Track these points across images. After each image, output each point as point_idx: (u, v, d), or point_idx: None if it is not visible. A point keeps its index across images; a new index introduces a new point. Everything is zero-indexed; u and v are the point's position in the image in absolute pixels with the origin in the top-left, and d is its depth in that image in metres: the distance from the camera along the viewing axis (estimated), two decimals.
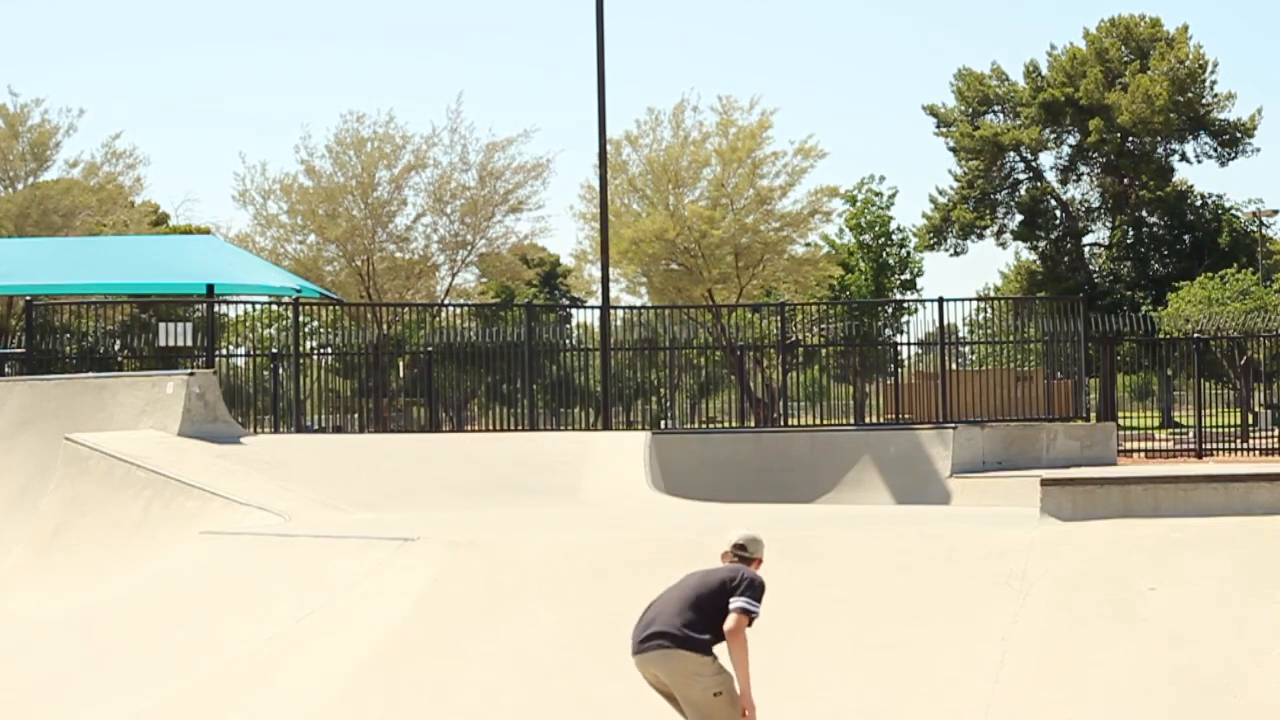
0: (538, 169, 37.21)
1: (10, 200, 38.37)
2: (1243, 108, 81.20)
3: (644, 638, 6.51)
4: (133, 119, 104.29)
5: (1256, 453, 29.27)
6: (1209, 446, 29.22)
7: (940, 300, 25.76)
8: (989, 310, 33.92)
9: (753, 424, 27.28)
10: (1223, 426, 31.08)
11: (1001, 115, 60.94)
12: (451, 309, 30.83)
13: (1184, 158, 60.10)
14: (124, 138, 74.77)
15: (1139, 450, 30.24)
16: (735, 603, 6.43)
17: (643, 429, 25.50)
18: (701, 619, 6.47)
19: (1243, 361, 34.48)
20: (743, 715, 6.37)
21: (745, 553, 6.83)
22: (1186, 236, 58.81)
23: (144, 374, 16.10)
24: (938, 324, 25.61)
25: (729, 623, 6.38)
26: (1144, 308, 45.78)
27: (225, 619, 8.79)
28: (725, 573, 6.67)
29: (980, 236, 62.20)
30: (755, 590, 6.50)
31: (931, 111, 61.48)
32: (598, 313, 25.19)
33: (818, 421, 29.35)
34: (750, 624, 6.42)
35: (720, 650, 6.42)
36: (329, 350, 29.72)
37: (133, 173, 42.74)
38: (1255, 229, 59.04)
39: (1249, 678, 6.47)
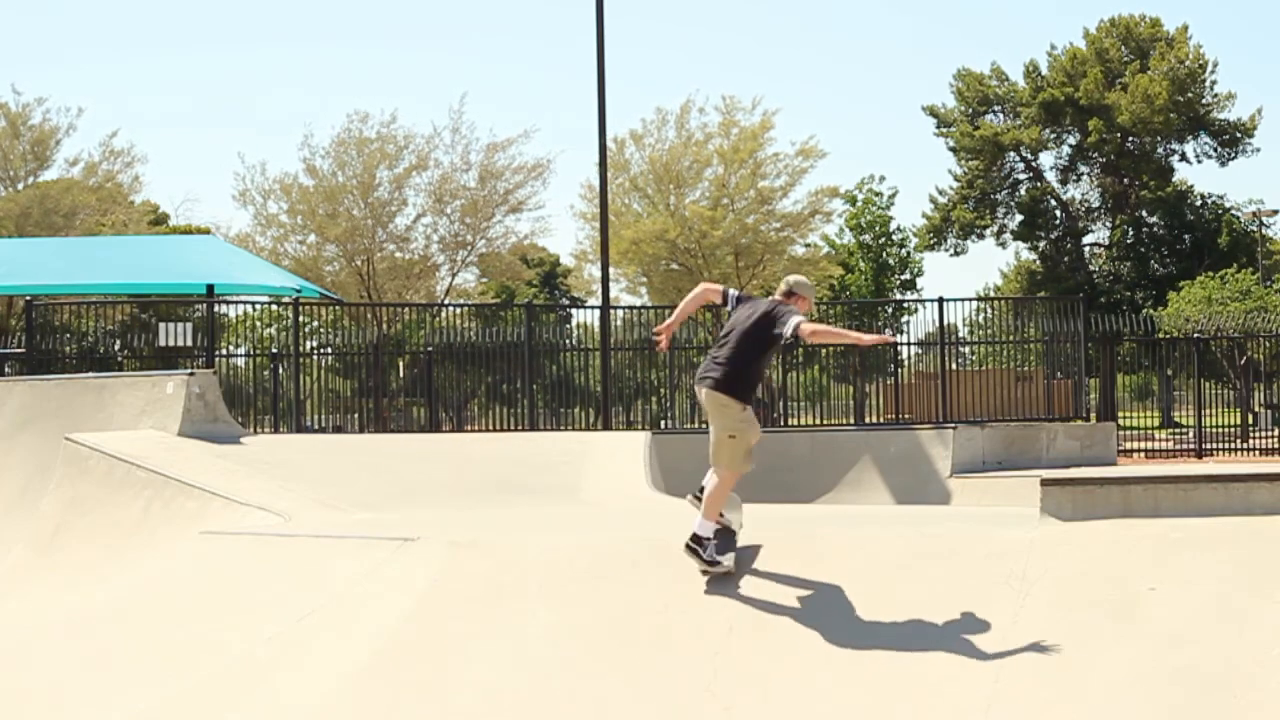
0: (538, 169, 37.25)
1: (12, 199, 38.38)
2: (1243, 108, 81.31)
3: (700, 376, 8.09)
4: (132, 119, 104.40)
5: (1256, 453, 29.28)
6: (1209, 446, 29.22)
7: (940, 300, 25.77)
8: (989, 310, 33.92)
9: None
10: (1223, 426, 31.09)
11: (1001, 115, 60.97)
12: (451, 309, 30.84)
13: (1184, 158, 60.16)
14: (121, 136, 74.91)
15: (1139, 450, 30.24)
16: (785, 328, 7.80)
17: (643, 429, 25.50)
18: (742, 360, 7.92)
19: (1243, 361, 34.48)
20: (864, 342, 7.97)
21: (792, 294, 8.12)
22: (1186, 236, 58.84)
23: (144, 374, 16.09)
24: (938, 324, 25.62)
25: (803, 334, 7.77)
26: (1144, 308, 45.77)
27: (225, 619, 8.79)
28: (767, 305, 8.01)
29: (980, 236, 62.24)
30: (796, 316, 7.83)
31: (931, 112, 61.51)
32: (598, 313, 25.20)
33: (818, 421, 29.35)
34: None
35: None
36: (329, 350, 29.71)
37: (131, 171, 42.82)
38: (1255, 229, 59.04)
39: (1249, 678, 6.47)
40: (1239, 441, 30.72)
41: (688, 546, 8.04)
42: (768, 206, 36.71)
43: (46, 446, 13.32)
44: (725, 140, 36.57)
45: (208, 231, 39.62)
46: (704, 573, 7.99)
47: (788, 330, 7.81)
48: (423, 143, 36.81)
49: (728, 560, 8.02)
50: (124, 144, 47.68)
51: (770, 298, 8.24)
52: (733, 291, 8.43)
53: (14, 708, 8.32)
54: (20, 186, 39.55)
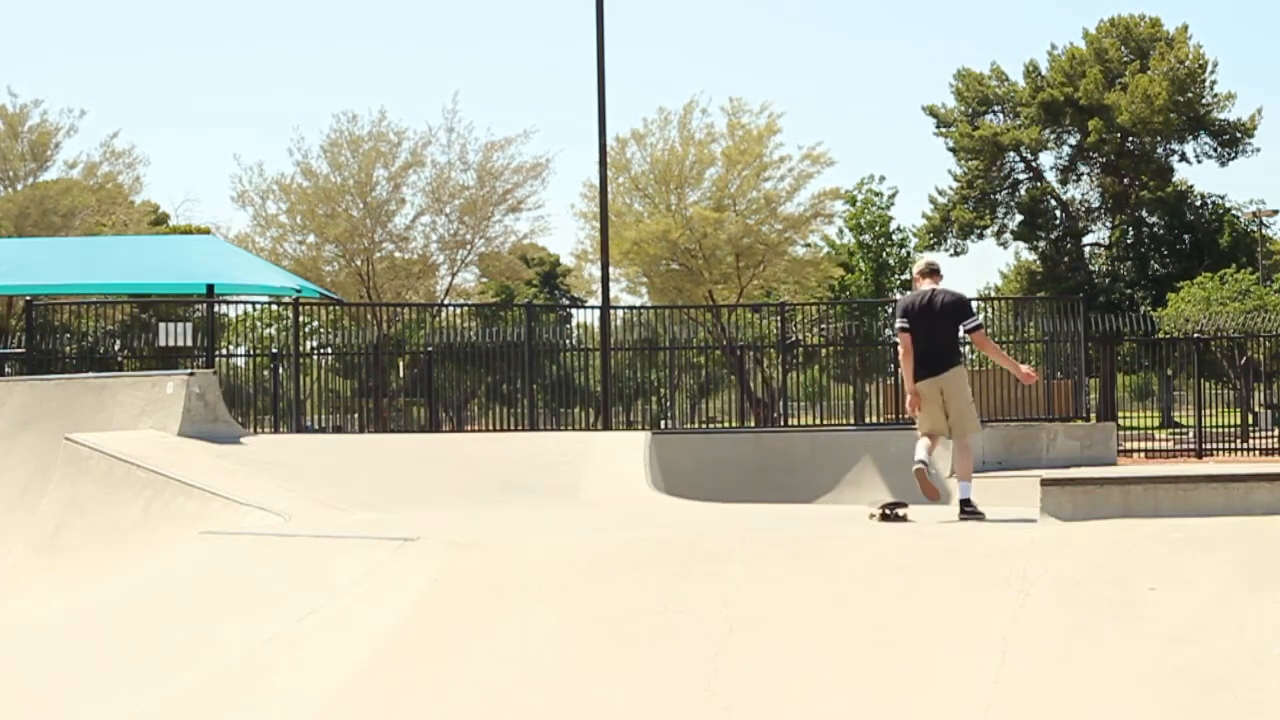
0: (537, 169, 37.21)
1: (10, 200, 38.38)
2: (1243, 108, 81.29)
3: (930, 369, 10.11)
4: (132, 119, 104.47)
5: (1256, 453, 29.28)
6: (1209, 446, 29.23)
7: None
8: (989, 310, 33.91)
9: (753, 424, 27.28)
10: (1223, 426, 31.10)
11: (1001, 115, 60.93)
12: (451, 309, 30.82)
13: (1184, 158, 60.12)
14: (122, 137, 74.93)
15: (1139, 450, 30.24)
16: (973, 322, 10.28)
17: (643, 429, 25.49)
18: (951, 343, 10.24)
19: (1243, 361, 34.48)
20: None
21: (937, 273, 10.29)
22: (1186, 236, 58.81)
23: (144, 374, 16.09)
24: None
25: (975, 337, 10.35)
26: (1143, 308, 45.77)
27: (225, 619, 8.79)
28: (944, 296, 10.16)
29: (980, 236, 62.20)
30: (977, 318, 10.39)
31: (931, 112, 61.47)
32: (598, 313, 25.19)
33: (818, 421, 29.34)
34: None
35: None
36: (329, 350, 29.71)
37: (131, 172, 42.85)
38: (1255, 229, 59.02)
39: (1249, 677, 6.47)
40: (1239, 441, 30.71)
41: (963, 514, 9.76)
42: (771, 206, 36.69)
43: (46, 446, 13.33)
44: (730, 141, 36.55)
45: (208, 231, 39.62)
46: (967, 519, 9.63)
47: (972, 325, 10.18)
48: (416, 140, 36.79)
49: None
50: (125, 145, 47.70)
51: (931, 286, 10.23)
52: (900, 322, 10.26)
53: (14, 708, 8.32)
54: (19, 187, 39.56)
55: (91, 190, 39.96)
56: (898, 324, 10.30)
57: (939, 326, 10.13)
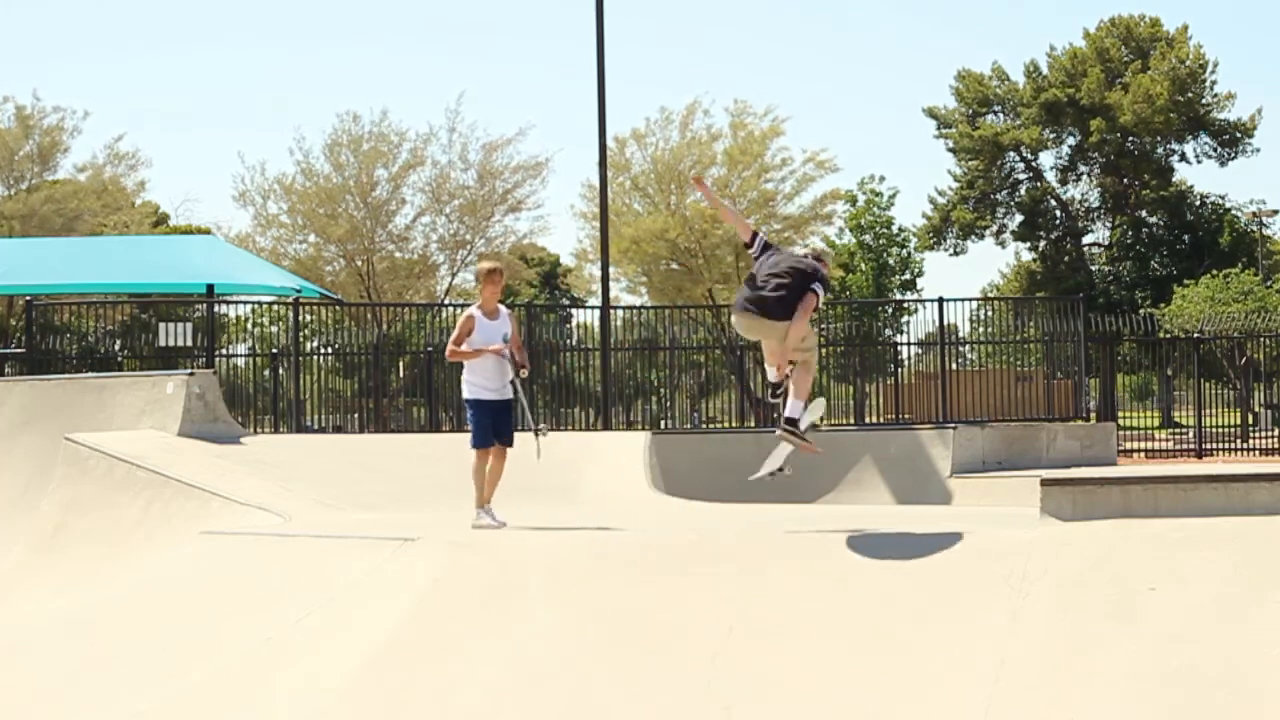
0: (536, 168, 37.18)
1: (20, 201, 38.40)
2: (1243, 108, 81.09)
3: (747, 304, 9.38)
4: (132, 119, 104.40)
5: (1256, 453, 29.27)
6: (1209, 446, 29.22)
7: (940, 300, 25.77)
8: (989, 310, 33.92)
9: (753, 424, 27.27)
10: (1223, 426, 31.09)
11: (1001, 115, 60.93)
12: (451, 309, 30.80)
13: (1184, 158, 60.15)
14: (126, 139, 74.97)
15: (1139, 450, 30.22)
16: (820, 289, 9.34)
17: (643, 429, 25.49)
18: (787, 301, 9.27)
19: (1243, 361, 34.47)
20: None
21: (820, 259, 9.63)
22: (1187, 236, 58.83)
23: (144, 374, 16.09)
24: (938, 324, 25.61)
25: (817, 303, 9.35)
26: (1142, 307, 45.77)
27: (225, 619, 8.79)
28: (801, 261, 9.47)
29: (980, 237, 62.22)
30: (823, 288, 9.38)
31: (932, 114, 61.48)
32: (598, 313, 25.19)
33: (817, 421, 29.32)
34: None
35: None
36: (329, 350, 29.70)
37: (135, 174, 42.83)
38: (1255, 229, 59.03)
39: (1249, 678, 6.47)
40: (1239, 441, 30.70)
41: (785, 430, 9.57)
42: (771, 204, 36.70)
43: (47, 446, 13.33)
44: (732, 141, 36.56)
45: (208, 231, 39.61)
46: (792, 441, 9.62)
47: (821, 293, 9.38)
48: (416, 139, 36.78)
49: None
50: (130, 147, 47.70)
51: (796, 252, 9.88)
52: (761, 235, 9.65)
53: (14, 707, 8.32)
54: (24, 187, 39.57)
55: (95, 193, 39.99)
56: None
57: (779, 275, 9.33)
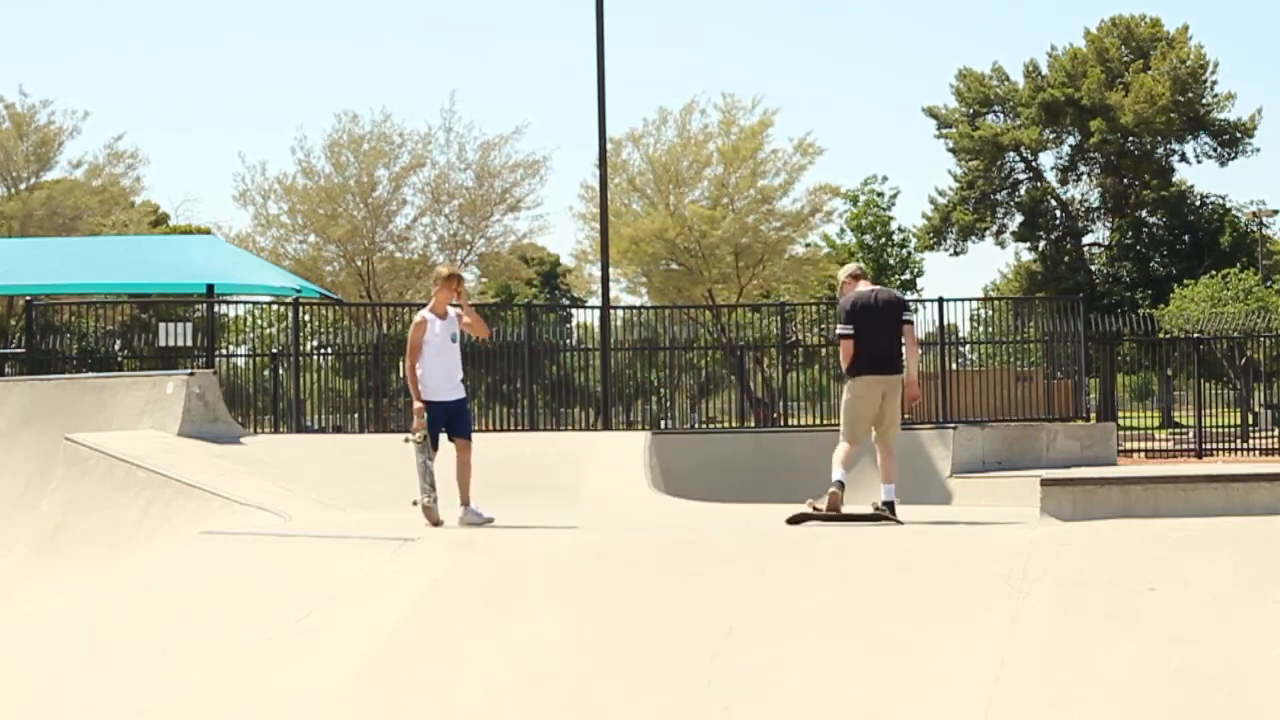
0: (534, 166, 37.17)
1: (18, 200, 38.39)
2: (1243, 108, 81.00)
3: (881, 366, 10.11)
4: (133, 119, 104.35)
5: (1256, 453, 29.27)
6: (1209, 446, 29.23)
7: (940, 300, 25.79)
8: (989, 310, 33.92)
9: (753, 424, 27.27)
10: (1223, 426, 31.09)
11: (1001, 115, 60.92)
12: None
13: (1184, 158, 60.15)
14: (126, 139, 74.85)
15: (1139, 450, 30.22)
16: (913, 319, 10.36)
17: (643, 429, 25.49)
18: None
19: (1243, 361, 34.47)
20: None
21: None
22: (1187, 237, 58.82)
23: (144, 374, 16.10)
24: (938, 324, 25.62)
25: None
26: (1143, 308, 45.76)
27: (225, 619, 8.79)
28: (886, 295, 10.44)
29: (980, 237, 62.21)
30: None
31: (932, 114, 61.47)
32: (598, 313, 25.19)
33: (818, 421, 29.30)
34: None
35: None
36: (329, 350, 29.69)
37: (133, 174, 42.81)
38: (1255, 229, 59.02)
39: (1249, 678, 6.47)
40: (1239, 441, 30.70)
41: (882, 516, 9.81)
42: (767, 205, 36.69)
43: (47, 446, 13.32)
44: (725, 139, 36.55)
45: (208, 231, 39.60)
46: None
47: (908, 317, 10.20)
48: (418, 141, 36.78)
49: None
50: (128, 146, 47.61)
51: (874, 286, 10.59)
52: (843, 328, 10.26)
53: (14, 708, 8.32)
54: (22, 187, 39.56)
55: (94, 192, 39.97)
56: (840, 329, 10.26)
57: (882, 326, 10.14)
